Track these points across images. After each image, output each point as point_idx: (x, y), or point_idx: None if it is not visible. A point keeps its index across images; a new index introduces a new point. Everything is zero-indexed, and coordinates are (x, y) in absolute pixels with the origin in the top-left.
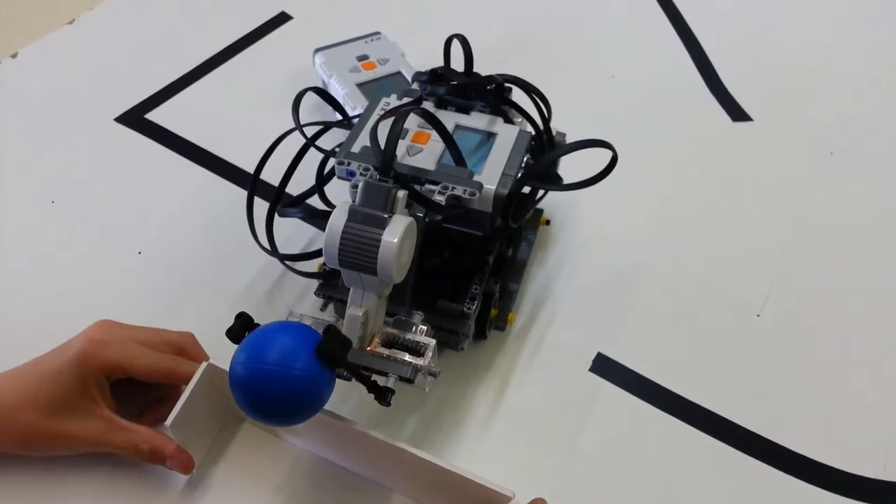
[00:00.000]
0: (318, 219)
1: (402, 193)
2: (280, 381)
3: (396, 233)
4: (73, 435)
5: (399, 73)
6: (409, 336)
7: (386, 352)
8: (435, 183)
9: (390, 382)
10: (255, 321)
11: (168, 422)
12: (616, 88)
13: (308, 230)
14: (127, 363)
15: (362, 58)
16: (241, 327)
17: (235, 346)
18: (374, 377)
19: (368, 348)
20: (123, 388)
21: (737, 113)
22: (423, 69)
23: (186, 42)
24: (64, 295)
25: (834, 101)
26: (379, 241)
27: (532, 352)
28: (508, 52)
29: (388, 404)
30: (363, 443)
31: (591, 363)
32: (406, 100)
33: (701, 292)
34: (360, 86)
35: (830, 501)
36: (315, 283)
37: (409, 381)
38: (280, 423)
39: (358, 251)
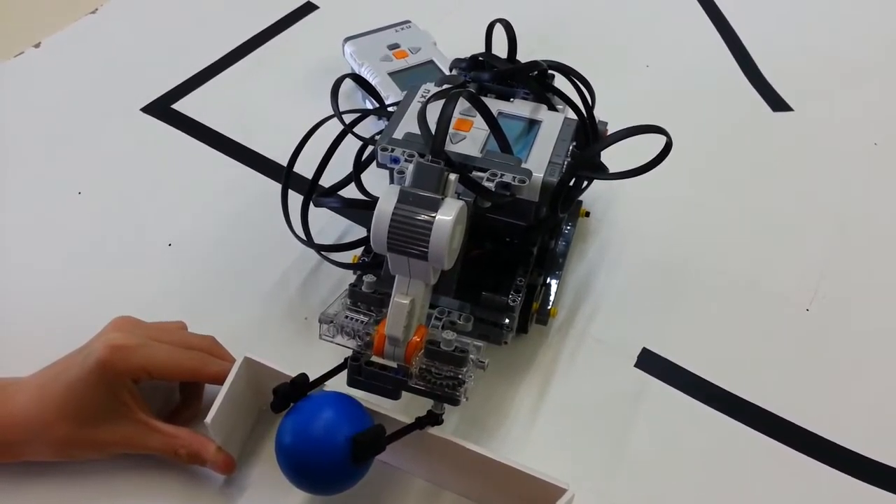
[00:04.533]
0: (356, 208)
1: (453, 176)
2: (323, 454)
3: (450, 214)
4: (108, 441)
5: (431, 62)
6: (452, 347)
7: (427, 363)
8: (482, 170)
9: (438, 409)
10: (305, 383)
11: (208, 419)
12: (651, 79)
13: (339, 223)
14: (152, 366)
15: (393, 46)
16: (283, 398)
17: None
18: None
19: (411, 363)
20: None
21: (777, 103)
22: (455, 57)
23: (210, 32)
24: (92, 286)
25: (876, 90)
26: (432, 223)
27: (574, 347)
28: (539, 41)
29: (441, 422)
30: (409, 437)
31: (636, 359)
32: (446, 86)
33: (746, 287)
34: (392, 75)
35: (885, 499)
36: (350, 274)
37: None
38: (323, 492)
39: (409, 234)
